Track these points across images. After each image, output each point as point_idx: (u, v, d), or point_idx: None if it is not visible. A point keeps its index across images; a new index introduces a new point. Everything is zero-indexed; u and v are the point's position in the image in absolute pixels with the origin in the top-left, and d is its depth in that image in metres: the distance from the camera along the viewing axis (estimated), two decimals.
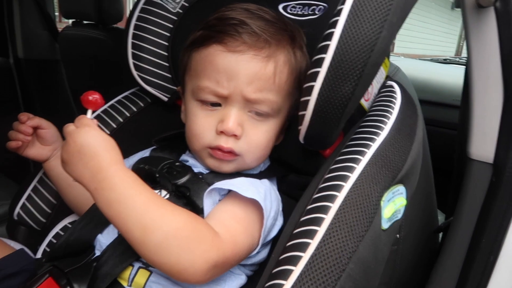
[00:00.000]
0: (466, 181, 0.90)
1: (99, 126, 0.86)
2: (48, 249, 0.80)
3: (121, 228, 0.55)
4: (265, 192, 0.66)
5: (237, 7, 0.69)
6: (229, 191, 0.66)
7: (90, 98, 0.64)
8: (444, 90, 1.95)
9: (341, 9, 0.55)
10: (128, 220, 0.54)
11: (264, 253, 0.70)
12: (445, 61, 2.73)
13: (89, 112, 0.64)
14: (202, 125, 0.68)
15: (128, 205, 0.54)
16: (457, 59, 2.88)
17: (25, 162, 1.97)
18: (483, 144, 0.85)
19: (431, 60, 2.80)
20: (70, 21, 1.94)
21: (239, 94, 0.65)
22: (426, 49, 11.27)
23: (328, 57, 0.55)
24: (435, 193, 1.13)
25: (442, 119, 1.81)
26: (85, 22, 1.85)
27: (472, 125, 0.87)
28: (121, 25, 1.98)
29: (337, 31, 0.54)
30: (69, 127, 0.59)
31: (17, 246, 0.77)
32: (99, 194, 0.55)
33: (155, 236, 0.53)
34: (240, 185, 0.65)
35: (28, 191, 0.83)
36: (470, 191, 0.90)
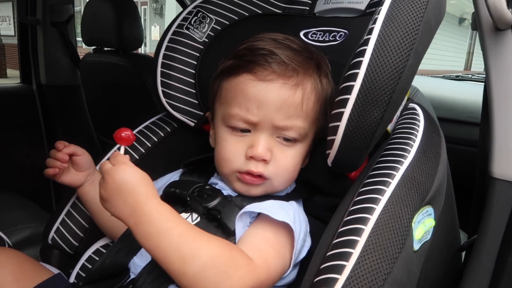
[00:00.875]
0: (490, 200, 0.91)
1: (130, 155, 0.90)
2: (81, 273, 0.82)
3: (161, 259, 0.57)
4: (294, 214, 0.67)
5: (265, 37, 0.72)
6: (259, 214, 0.68)
7: (123, 135, 0.66)
8: (458, 107, 1.96)
9: (368, 39, 0.58)
10: (167, 252, 0.57)
11: (293, 274, 0.71)
12: (457, 78, 2.74)
13: (122, 148, 0.67)
14: (232, 150, 0.71)
15: (167, 237, 0.57)
16: (469, 76, 2.89)
17: (46, 185, 2.02)
18: (506, 163, 0.86)
19: (443, 77, 2.82)
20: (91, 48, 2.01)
21: (269, 121, 0.68)
22: (436, 64, 11.30)
23: (357, 84, 0.57)
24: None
25: (457, 135, 1.81)
26: (105, 48, 1.92)
27: (494, 144, 0.88)
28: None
29: (365, 60, 0.57)
30: (106, 165, 0.62)
31: (51, 269, 0.80)
32: (139, 228, 0.58)
33: (193, 266, 0.56)
34: (271, 208, 0.66)
35: (62, 215, 0.86)
36: (494, 210, 0.90)
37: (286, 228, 0.65)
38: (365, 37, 0.59)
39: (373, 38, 0.57)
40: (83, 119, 2.15)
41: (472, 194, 1.14)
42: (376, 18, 0.59)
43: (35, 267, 0.74)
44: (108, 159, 0.68)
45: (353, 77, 0.58)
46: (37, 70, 2.05)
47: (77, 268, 0.82)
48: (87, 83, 2.07)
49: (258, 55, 0.68)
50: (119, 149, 0.67)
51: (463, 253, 1.17)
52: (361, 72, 0.57)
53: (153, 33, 13.22)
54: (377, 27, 0.57)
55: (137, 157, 0.91)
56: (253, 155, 0.68)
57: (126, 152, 0.66)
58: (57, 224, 0.85)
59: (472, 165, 1.15)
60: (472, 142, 1.43)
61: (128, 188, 0.59)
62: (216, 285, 0.56)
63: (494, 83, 0.85)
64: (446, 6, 0.68)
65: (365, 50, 0.57)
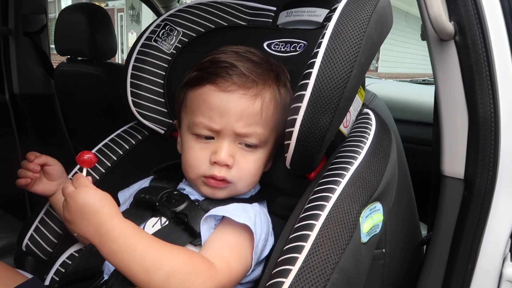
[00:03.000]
0: (442, 196, 0.98)
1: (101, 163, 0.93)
2: (56, 277, 0.85)
3: (127, 273, 0.62)
4: (255, 217, 0.72)
5: (227, 50, 0.77)
6: (223, 216, 0.72)
7: (85, 157, 0.71)
8: (424, 110, 2.04)
9: (317, 52, 0.64)
10: (131, 265, 0.61)
11: (258, 271, 0.76)
12: (424, 82, 2.86)
13: (84, 170, 0.71)
14: (197, 156, 0.75)
15: (130, 252, 0.61)
16: None
17: (21, 195, 2.01)
18: (454, 161, 0.94)
19: (411, 81, 2.94)
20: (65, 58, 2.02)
21: (230, 129, 0.73)
22: (408, 68, 11.61)
23: (307, 93, 0.63)
24: (420, 207, 1.21)
25: (423, 137, 1.90)
26: (79, 58, 1.94)
27: (443, 144, 0.95)
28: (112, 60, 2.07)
29: (314, 71, 0.63)
30: (68, 188, 0.65)
31: (27, 275, 0.82)
32: (103, 246, 0.62)
33: (157, 276, 0.61)
34: (234, 211, 0.71)
35: (36, 222, 0.89)
36: (445, 205, 0.97)
37: (247, 230, 0.70)
38: (315, 50, 0.65)
39: (321, 51, 0.63)
40: (58, 128, 2.15)
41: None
42: (325, 33, 0.65)
43: (10, 273, 0.77)
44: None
45: (304, 86, 0.63)
46: (10, 79, 2.04)
47: (51, 274, 0.85)
48: (61, 93, 2.07)
49: (220, 67, 0.73)
50: (81, 171, 0.71)
51: (425, 248, 1.23)
52: (311, 82, 0.62)
53: (130, 39, 13.12)
54: (324, 41, 0.63)
55: (109, 165, 0.94)
56: (216, 161, 0.73)
57: (88, 174, 0.71)
58: (30, 231, 0.88)
59: None
60: None
61: (91, 210, 0.62)
62: None
63: (441, 90, 0.93)
64: (391, 21, 0.75)
65: (314, 62, 0.63)
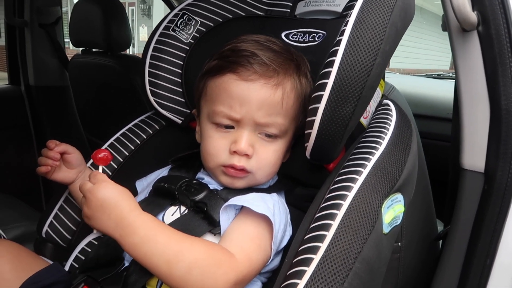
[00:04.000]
0: (461, 190, 0.97)
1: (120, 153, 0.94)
2: (75, 264, 0.86)
3: (149, 265, 0.62)
4: (274, 207, 0.72)
5: (248, 39, 0.77)
6: (242, 206, 0.72)
7: (100, 155, 0.72)
8: (439, 105, 2.02)
9: (340, 40, 0.63)
10: (153, 258, 0.62)
11: (276, 261, 0.76)
12: (439, 76, 2.82)
13: (100, 168, 0.73)
14: (217, 145, 0.75)
15: (152, 244, 0.62)
16: (451, 74, 2.98)
17: (36, 186, 2.04)
18: (474, 154, 0.92)
19: (425, 75, 2.90)
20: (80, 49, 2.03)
21: (250, 118, 0.72)
22: (421, 64, 11.47)
23: (330, 82, 0.62)
24: (436, 203, 1.20)
25: (438, 132, 1.88)
26: (94, 50, 1.95)
27: (464, 137, 0.94)
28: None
29: (337, 59, 0.62)
30: (87, 185, 0.66)
31: (48, 261, 0.83)
32: (124, 239, 0.63)
33: (179, 268, 0.61)
34: (253, 200, 0.71)
35: (55, 210, 0.90)
36: (464, 199, 0.96)
37: (267, 220, 0.70)
38: (337, 38, 0.64)
39: (345, 39, 0.62)
40: (72, 119, 2.17)
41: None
42: (348, 21, 0.64)
43: (32, 258, 0.78)
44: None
45: (327, 75, 0.63)
46: (25, 71, 2.07)
47: (70, 260, 0.86)
48: (76, 84, 2.09)
49: (241, 56, 0.73)
50: (97, 168, 0.73)
51: (440, 242, 1.22)
52: (334, 70, 0.62)
53: (141, 34, 13.18)
54: (348, 29, 0.63)
55: (127, 154, 0.95)
56: (236, 150, 0.73)
57: (104, 171, 0.74)
58: (50, 218, 0.89)
59: None
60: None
61: (111, 204, 0.64)
62: (202, 283, 0.62)
63: (462, 81, 0.92)
64: (414, 9, 0.74)
65: (337, 50, 0.62)
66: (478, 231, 0.94)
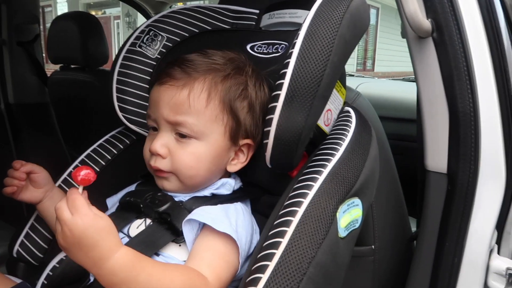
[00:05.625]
0: (427, 191, 0.99)
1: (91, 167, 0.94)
2: (46, 282, 0.86)
3: None
4: (237, 221, 0.74)
5: (197, 51, 0.81)
6: None
7: (82, 174, 0.62)
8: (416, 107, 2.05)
9: (291, 52, 0.66)
10: None
11: (244, 269, 0.77)
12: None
13: (80, 188, 0.63)
14: (145, 147, 0.81)
15: (131, 285, 0.60)
16: None
17: (18, 204, 2.02)
18: (436, 156, 0.95)
19: (403, 79, 2.95)
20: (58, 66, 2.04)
21: (161, 117, 0.76)
22: (405, 66, 11.62)
23: (283, 93, 0.65)
24: (411, 203, 1.22)
25: (415, 134, 1.91)
26: (72, 66, 1.96)
27: (426, 140, 0.97)
28: (106, 67, 2.09)
29: (289, 71, 0.64)
30: (64, 214, 0.58)
31: (17, 281, 0.84)
32: (102, 278, 0.60)
33: None
34: (216, 216, 0.72)
35: (26, 229, 0.90)
36: (430, 200, 0.99)
37: (231, 236, 0.71)
38: (290, 51, 0.67)
39: (295, 51, 0.65)
40: (53, 136, 2.16)
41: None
42: (299, 34, 0.67)
43: (0, 280, 0.78)
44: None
45: (280, 86, 0.65)
46: (5, 89, 2.06)
47: (42, 279, 0.85)
48: (56, 100, 2.09)
49: (168, 64, 0.79)
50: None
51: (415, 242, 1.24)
52: (286, 81, 0.64)
53: None
54: (298, 42, 0.65)
55: (98, 170, 0.96)
56: (150, 150, 0.77)
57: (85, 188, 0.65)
58: (21, 237, 0.90)
59: None
60: None
61: (89, 244, 0.57)
62: None
63: (421, 86, 0.95)
64: (367, 21, 0.77)
65: (289, 62, 0.65)
66: (445, 230, 0.97)
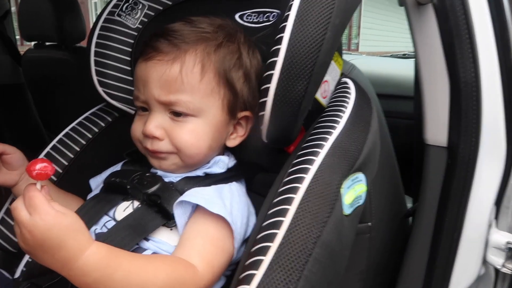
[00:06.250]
0: (426, 165, 0.96)
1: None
2: (25, 269, 0.80)
3: None
4: (232, 202, 0.68)
5: (182, 20, 0.74)
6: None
7: (37, 169, 0.54)
8: (405, 83, 2.04)
9: (288, 15, 0.60)
10: None
11: (240, 253, 0.72)
12: (404, 56, 2.84)
13: (38, 183, 0.54)
14: (135, 129, 0.75)
15: (108, 283, 0.53)
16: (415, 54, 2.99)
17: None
18: (436, 129, 0.91)
19: (391, 56, 2.92)
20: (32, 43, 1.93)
21: (152, 97, 0.69)
22: (390, 46, 11.62)
23: (279, 60, 0.59)
24: (404, 181, 1.19)
25: (404, 110, 1.89)
26: (47, 43, 1.85)
27: (425, 112, 0.93)
28: (84, 43, 1.98)
29: (286, 36, 0.59)
30: (21, 215, 0.51)
31: None
32: (74, 279, 0.53)
33: None
34: (209, 197, 0.67)
35: (1, 214, 0.83)
36: (430, 174, 0.95)
37: (225, 219, 0.65)
38: (286, 13, 0.61)
39: (292, 14, 0.59)
40: (30, 117, 2.07)
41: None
42: None
43: None
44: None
45: (276, 53, 0.59)
46: None
47: (21, 266, 0.80)
48: (31, 80, 1.98)
49: (152, 36, 0.71)
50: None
51: (411, 220, 1.22)
52: (283, 47, 0.58)
53: None
54: (295, 4, 0.59)
55: (78, 149, 0.89)
56: (143, 133, 0.71)
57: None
58: None
59: None
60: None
61: (54, 245, 0.50)
62: None
63: (420, 56, 0.90)
64: None
65: (285, 26, 0.59)
66: (445, 205, 0.94)
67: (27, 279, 0.66)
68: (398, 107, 1.91)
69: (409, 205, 1.26)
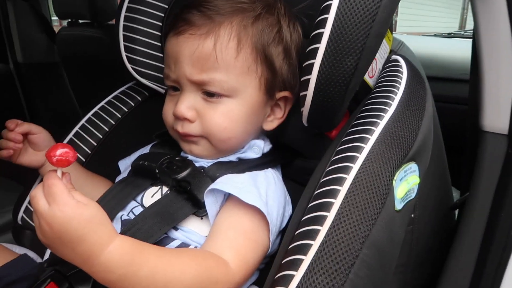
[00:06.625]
0: (481, 154, 0.87)
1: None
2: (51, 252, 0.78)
3: None
4: (267, 191, 0.63)
5: None
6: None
7: (58, 155, 0.49)
8: (450, 65, 1.90)
9: None
10: None
11: (275, 245, 0.67)
12: (449, 35, 2.65)
13: (59, 170, 0.50)
14: (166, 111, 0.70)
15: (133, 281, 0.49)
16: (462, 33, 2.80)
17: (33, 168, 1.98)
18: (497, 115, 0.82)
19: (435, 35, 2.73)
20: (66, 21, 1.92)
21: (183, 76, 0.64)
22: (429, 26, 11.07)
23: (326, 31, 0.51)
24: (449, 170, 1.10)
25: (450, 94, 1.77)
26: (80, 21, 1.83)
27: (484, 97, 0.83)
28: None
29: (335, 3, 0.51)
30: (39, 204, 0.47)
31: (23, 251, 0.76)
32: (97, 276, 0.49)
33: None
34: (242, 185, 0.62)
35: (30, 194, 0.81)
36: (485, 164, 0.86)
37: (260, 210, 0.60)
38: None
39: None
40: (66, 95, 2.08)
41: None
42: None
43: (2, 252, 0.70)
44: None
45: (322, 23, 0.52)
46: (12, 48, 1.96)
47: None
48: (65, 58, 1.99)
49: (184, 8, 0.65)
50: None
51: (456, 212, 1.14)
52: (331, 17, 0.51)
53: None
54: None
55: (107, 129, 0.86)
56: (174, 114, 0.66)
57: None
58: (25, 203, 0.81)
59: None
60: (465, 100, 1.39)
61: (74, 238, 0.46)
62: None
63: (483, 32, 0.79)
64: None
65: None
66: (501, 199, 0.85)
67: (51, 265, 0.63)
68: (443, 90, 1.79)
69: (455, 195, 1.17)
